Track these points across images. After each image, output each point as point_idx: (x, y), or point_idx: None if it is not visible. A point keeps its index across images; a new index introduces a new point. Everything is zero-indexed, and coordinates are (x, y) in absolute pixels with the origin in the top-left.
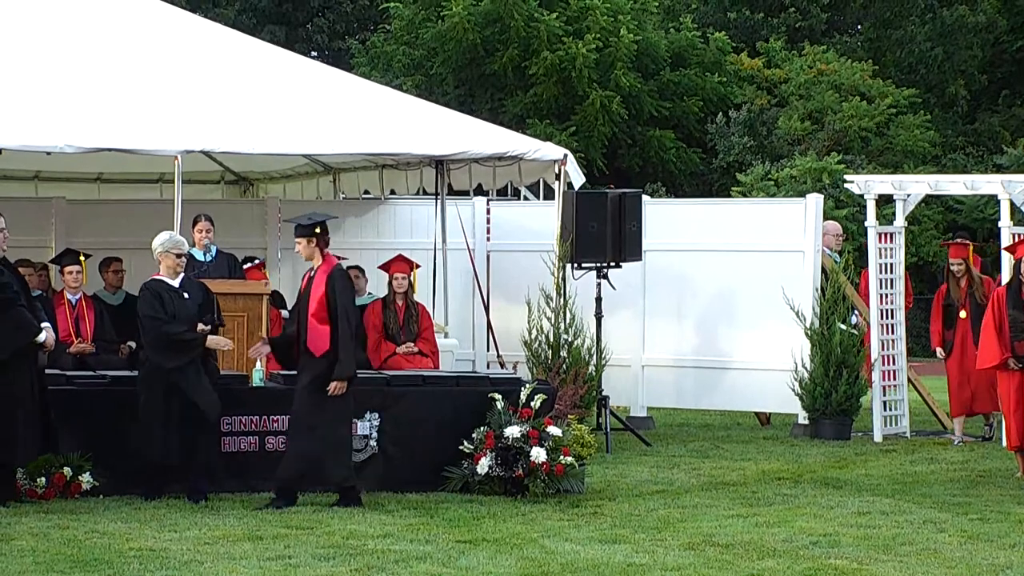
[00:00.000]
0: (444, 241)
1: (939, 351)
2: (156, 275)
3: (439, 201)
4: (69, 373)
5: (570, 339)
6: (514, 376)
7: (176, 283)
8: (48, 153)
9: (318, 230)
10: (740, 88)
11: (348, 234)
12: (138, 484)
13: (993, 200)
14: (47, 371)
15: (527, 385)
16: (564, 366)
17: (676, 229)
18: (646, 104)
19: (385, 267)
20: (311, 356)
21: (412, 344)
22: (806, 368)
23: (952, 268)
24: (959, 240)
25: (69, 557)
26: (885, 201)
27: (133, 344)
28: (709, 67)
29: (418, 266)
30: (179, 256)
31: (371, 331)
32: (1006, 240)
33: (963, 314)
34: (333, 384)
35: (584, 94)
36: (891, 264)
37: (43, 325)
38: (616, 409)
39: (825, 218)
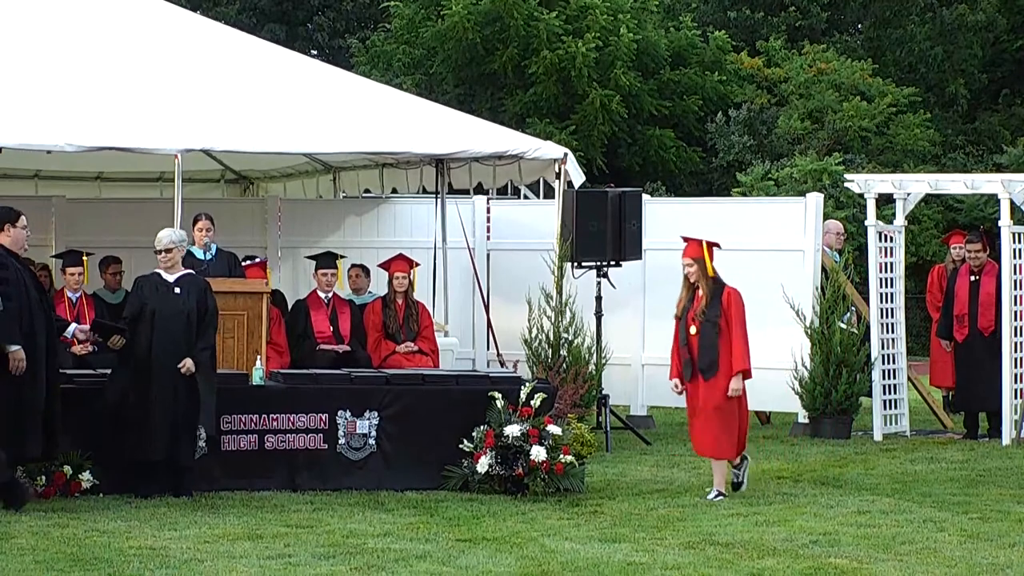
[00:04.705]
0: (444, 240)
1: (675, 383)
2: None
3: (439, 200)
4: (69, 372)
5: (570, 338)
6: (514, 375)
7: (172, 279)
8: (48, 152)
9: None
10: (740, 87)
11: (348, 233)
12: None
13: (993, 199)
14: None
15: (527, 384)
16: (564, 365)
17: (676, 228)
18: (646, 103)
19: (385, 266)
20: None
21: (412, 343)
22: (806, 367)
23: (685, 271)
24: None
25: (69, 555)
26: (885, 200)
27: None
28: (709, 66)
29: (418, 264)
30: (157, 253)
31: (371, 330)
32: (1006, 240)
33: (693, 330)
34: None
35: (584, 93)
36: (891, 264)
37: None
38: (616, 408)
39: (825, 218)
